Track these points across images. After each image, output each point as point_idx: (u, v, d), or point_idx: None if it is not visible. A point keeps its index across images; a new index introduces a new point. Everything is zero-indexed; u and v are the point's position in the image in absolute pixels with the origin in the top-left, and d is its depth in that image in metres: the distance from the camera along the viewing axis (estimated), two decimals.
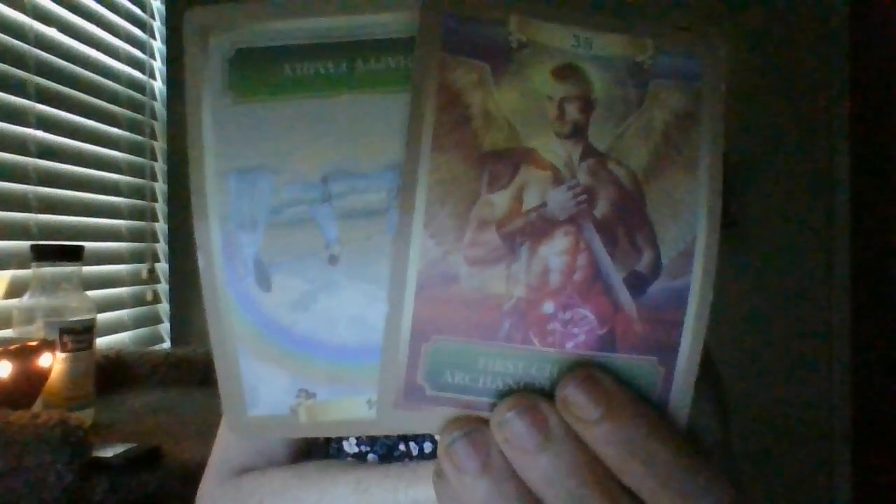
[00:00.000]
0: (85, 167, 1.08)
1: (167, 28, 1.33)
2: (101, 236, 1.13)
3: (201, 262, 0.18)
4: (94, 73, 1.10)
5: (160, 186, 1.31)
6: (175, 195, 1.32)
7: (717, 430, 0.40)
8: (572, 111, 0.18)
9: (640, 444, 0.17)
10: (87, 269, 0.83)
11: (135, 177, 1.23)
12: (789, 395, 1.46)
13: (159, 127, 1.31)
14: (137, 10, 1.26)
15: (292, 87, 0.18)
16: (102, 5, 1.14)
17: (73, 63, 1.04)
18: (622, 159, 0.18)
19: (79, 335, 0.73)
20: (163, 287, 1.32)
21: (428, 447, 0.45)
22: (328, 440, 0.48)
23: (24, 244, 0.86)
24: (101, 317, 1.06)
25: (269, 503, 0.41)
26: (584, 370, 0.18)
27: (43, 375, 0.68)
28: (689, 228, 0.18)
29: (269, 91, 0.18)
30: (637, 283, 0.18)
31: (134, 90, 1.23)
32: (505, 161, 0.18)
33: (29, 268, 0.74)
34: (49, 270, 0.74)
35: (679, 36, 0.18)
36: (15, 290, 0.87)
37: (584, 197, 0.18)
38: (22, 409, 0.58)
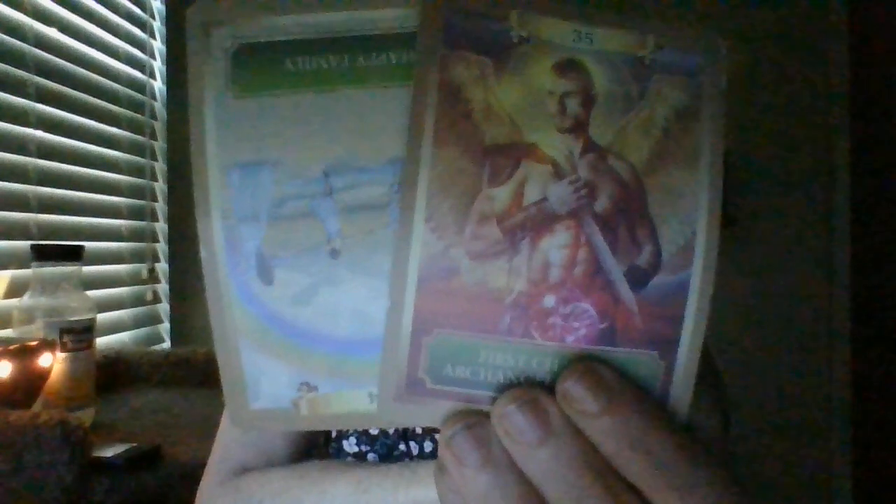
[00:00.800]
0: (85, 167, 1.08)
1: (167, 28, 1.34)
2: (101, 236, 1.13)
3: (204, 256, 0.18)
4: (94, 73, 1.10)
5: (160, 186, 1.31)
6: (175, 195, 1.32)
7: (716, 429, 0.40)
8: (573, 106, 0.18)
9: (640, 437, 0.17)
10: (87, 269, 0.84)
11: (135, 177, 1.23)
12: (789, 395, 1.46)
13: (159, 127, 1.31)
14: (137, 10, 1.26)
15: (294, 82, 0.18)
16: (102, 5, 1.14)
17: (73, 63, 1.04)
18: (623, 154, 0.18)
19: (79, 335, 0.73)
20: (163, 287, 1.32)
21: (428, 446, 0.45)
22: (328, 440, 0.48)
23: (24, 244, 0.86)
24: (101, 317, 1.06)
25: (270, 503, 0.41)
26: (585, 364, 0.18)
27: (43, 375, 0.68)
28: (689, 223, 0.18)
29: (270, 86, 0.18)
30: (637, 278, 0.18)
31: (134, 90, 1.23)
32: (506, 155, 0.18)
33: (29, 268, 0.74)
34: (49, 270, 0.74)
35: (680, 31, 0.19)
36: (15, 290, 0.87)
37: (584, 191, 0.18)
38: (22, 409, 0.58)
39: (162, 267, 1.32)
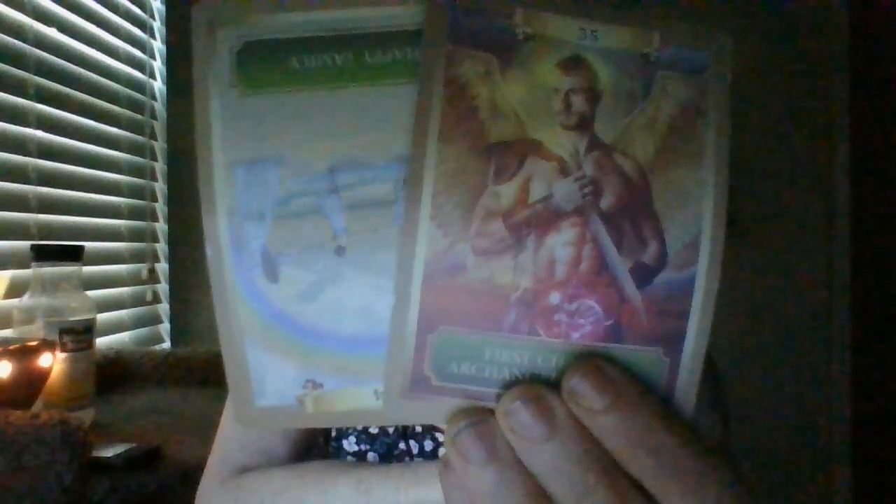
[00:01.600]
0: (85, 167, 1.08)
1: (167, 28, 1.34)
2: (101, 236, 1.12)
3: (209, 254, 0.18)
4: (94, 73, 1.10)
5: (160, 186, 1.31)
6: (175, 195, 1.32)
7: (716, 429, 0.41)
8: (578, 103, 0.18)
9: (645, 434, 0.17)
10: (87, 269, 0.83)
11: (135, 177, 1.23)
12: (789, 395, 1.46)
13: (159, 127, 1.31)
14: (137, 10, 1.26)
15: (300, 80, 0.18)
16: (102, 5, 1.14)
17: (73, 63, 1.04)
18: (628, 151, 0.18)
19: (79, 335, 0.73)
20: (163, 287, 1.32)
21: (429, 445, 0.45)
22: (328, 439, 0.48)
23: (24, 244, 0.86)
24: (101, 317, 1.06)
25: (270, 503, 0.41)
26: (591, 361, 0.18)
27: (43, 375, 0.68)
28: (694, 220, 0.18)
29: (276, 83, 0.18)
30: (643, 275, 0.18)
31: (134, 90, 1.23)
32: (511, 152, 0.18)
33: (29, 268, 0.74)
34: (49, 270, 0.74)
35: (685, 28, 0.19)
36: (15, 290, 0.87)
37: (590, 188, 0.18)
38: (22, 409, 0.58)
39: (162, 267, 1.32)
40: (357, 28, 0.18)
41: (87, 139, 1.08)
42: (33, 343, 0.67)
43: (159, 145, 1.31)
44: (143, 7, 1.28)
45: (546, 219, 0.18)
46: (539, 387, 0.18)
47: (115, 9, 1.18)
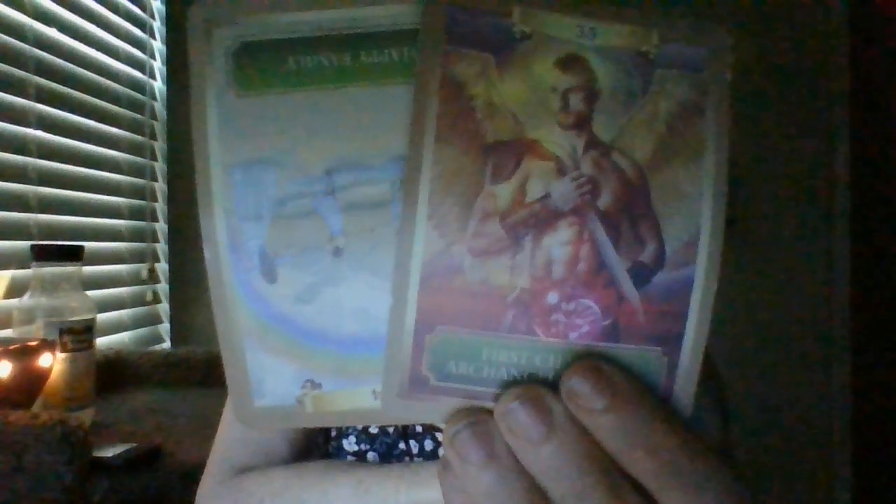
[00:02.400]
0: (85, 167, 1.08)
1: (167, 28, 1.34)
2: (101, 236, 1.13)
3: (207, 255, 0.18)
4: (94, 73, 1.10)
5: (160, 186, 1.31)
6: (175, 195, 1.32)
7: (716, 429, 0.40)
8: (576, 102, 0.18)
9: (644, 433, 0.17)
10: (87, 269, 0.83)
11: (135, 177, 1.23)
12: (789, 395, 1.46)
13: (159, 127, 1.31)
14: (137, 10, 1.26)
15: (296, 80, 0.18)
16: (102, 5, 1.14)
17: (73, 63, 1.04)
18: (626, 150, 0.18)
19: (79, 335, 0.73)
20: (163, 287, 1.32)
21: (428, 445, 0.45)
22: (328, 439, 0.48)
23: (24, 244, 0.86)
24: (101, 317, 1.06)
25: (270, 503, 0.41)
26: (589, 360, 0.18)
27: (43, 375, 0.68)
28: (693, 219, 0.18)
29: (273, 84, 0.18)
30: (641, 274, 0.18)
31: (134, 90, 1.23)
32: (508, 152, 0.18)
33: (29, 268, 0.74)
34: (49, 270, 0.74)
35: (684, 26, 0.18)
36: (15, 290, 0.87)
37: (587, 188, 0.18)
38: (22, 409, 0.58)
39: (162, 267, 1.32)
40: (353, 28, 0.18)
41: (87, 139, 1.08)
42: (33, 343, 0.67)
43: (159, 145, 1.31)
44: (143, 7, 1.28)
45: (543, 219, 0.18)
46: (537, 387, 0.17)
47: (115, 9, 1.18)
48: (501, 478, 0.17)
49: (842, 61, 1.43)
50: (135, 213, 1.23)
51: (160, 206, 1.31)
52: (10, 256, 0.89)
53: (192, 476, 0.49)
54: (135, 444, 0.64)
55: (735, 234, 1.42)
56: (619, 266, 0.18)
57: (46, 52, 0.98)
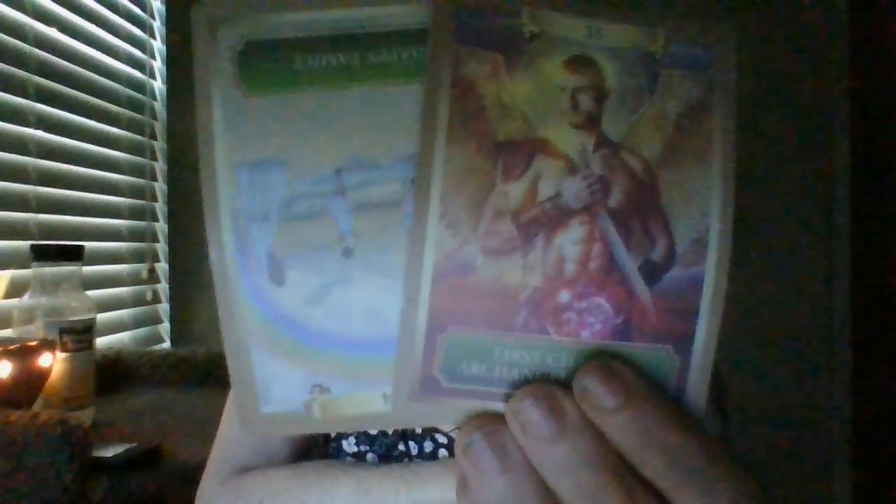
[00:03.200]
0: (85, 167, 1.07)
1: (167, 28, 1.33)
2: (101, 236, 1.12)
3: (213, 257, 0.18)
4: (94, 73, 1.10)
5: (160, 186, 1.31)
6: (175, 195, 1.31)
7: (717, 429, 0.40)
8: (585, 101, 0.18)
9: (658, 433, 0.17)
10: (87, 269, 0.83)
11: (135, 177, 1.23)
12: (789, 395, 1.46)
13: (159, 127, 1.31)
14: (137, 10, 1.26)
15: (304, 80, 0.18)
16: (102, 5, 1.14)
17: (73, 63, 1.04)
18: (635, 149, 0.18)
19: (79, 335, 0.73)
20: (163, 287, 1.31)
21: (428, 446, 0.45)
22: (327, 440, 0.48)
23: (24, 244, 0.86)
24: (101, 317, 1.06)
25: (270, 503, 0.41)
26: (602, 360, 0.17)
27: (43, 375, 0.68)
28: (702, 217, 0.18)
29: (280, 83, 0.18)
30: (652, 272, 0.18)
31: (134, 90, 1.23)
32: (519, 151, 0.18)
33: (29, 268, 0.74)
34: (49, 270, 0.74)
35: (691, 26, 0.19)
36: (15, 290, 0.87)
37: (598, 186, 0.18)
38: (22, 409, 0.57)
39: (162, 267, 1.31)
40: (361, 27, 0.18)
41: (87, 139, 1.08)
42: (33, 343, 0.66)
43: (159, 145, 1.31)
44: (143, 7, 1.28)
45: (555, 217, 0.18)
46: (549, 386, 0.17)
47: (115, 9, 1.18)
48: (515, 487, 0.17)
49: (842, 61, 1.43)
50: (135, 213, 1.23)
51: (160, 206, 1.31)
52: (10, 256, 0.89)
53: (192, 476, 0.49)
54: (135, 444, 0.64)
55: (743, 236, 1.42)
56: (631, 264, 0.18)
57: (46, 52, 0.97)
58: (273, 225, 0.18)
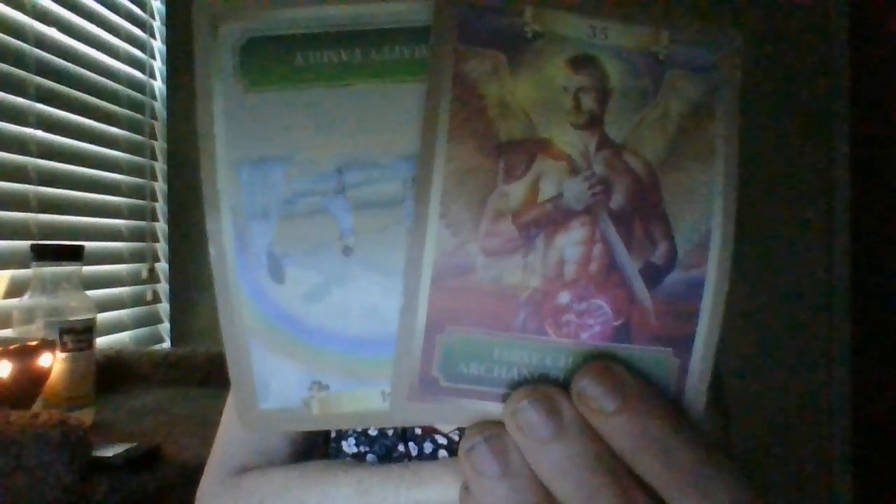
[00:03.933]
0: (85, 167, 1.07)
1: (167, 28, 1.33)
2: (101, 236, 1.12)
3: (213, 254, 0.18)
4: (94, 73, 1.10)
5: (160, 186, 1.31)
6: (175, 195, 1.31)
7: (717, 430, 0.40)
8: (588, 102, 0.18)
9: (655, 436, 0.17)
10: (87, 269, 0.83)
11: (135, 177, 1.23)
12: (789, 395, 1.46)
13: (159, 127, 1.31)
14: (137, 10, 1.26)
15: (305, 77, 0.18)
16: (102, 5, 1.14)
17: (73, 63, 1.04)
18: (638, 150, 0.18)
19: (79, 335, 0.73)
20: (163, 287, 1.31)
21: (428, 447, 0.45)
22: (327, 440, 0.48)
23: (24, 244, 0.86)
24: (101, 317, 1.06)
25: (270, 503, 0.41)
26: (600, 362, 0.17)
27: (43, 375, 0.67)
28: (704, 219, 0.18)
29: (281, 80, 0.18)
30: (652, 274, 0.18)
31: (134, 90, 1.23)
32: (521, 151, 0.18)
33: (29, 268, 0.74)
34: (49, 270, 0.74)
35: (695, 27, 0.18)
36: (15, 290, 0.87)
37: (599, 188, 0.18)
38: (22, 409, 0.57)
39: (162, 267, 1.31)
40: (364, 25, 0.18)
41: (87, 139, 1.08)
42: (33, 343, 0.66)
43: (159, 145, 1.30)
44: (143, 7, 1.28)
45: (556, 218, 0.18)
46: (547, 386, 0.17)
47: (115, 9, 1.18)
48: (516, 491, 0.17)
49: (842, 61, 1.43)
50: (135, 213, 1.23)
51: (160, 206, 1.31)
52: (10, 256, 0.88)
53: (192, 476, 0.49)
54: (135, 444, 0.64)
55: (743, 237, 1.42)
56: (631, 266, 0.18)
57: (46, 52, 0.97)
58: (273, 222, 0.18)
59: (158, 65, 1.32)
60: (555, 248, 0.18)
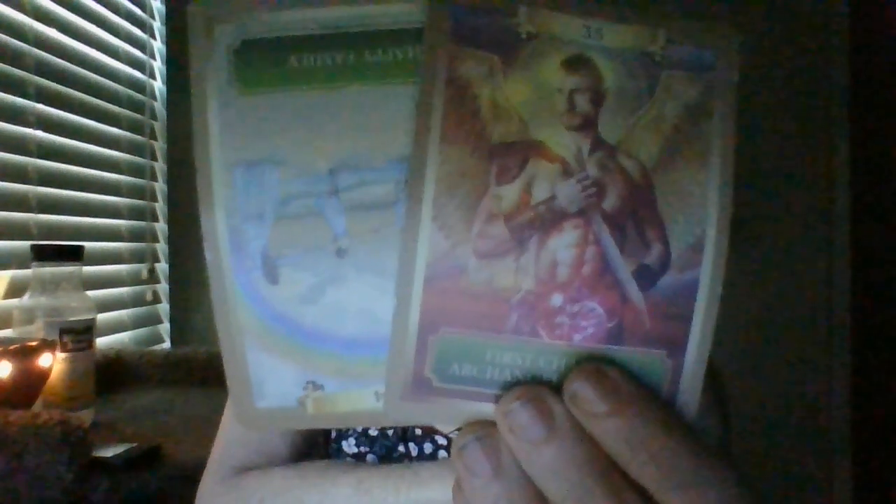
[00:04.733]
0: (85, 167, 1.07)
1: (167, 28, 1.33)
2: (101, 236, 1.12)
3: (208, 256, 0.18)
4: (94, 73, 1.10)
5: (160, 186, 1.31)
6: (175, 195, 1.32)
7: (717, 430, 0.40)
8: (582, 103, 0.18)
9: (647, 438, 0.17)
10: (87, 269, 0.83)
11: (135, 177, 1.23)
12: (789, 395, 1.46)
13: (159, 127, 1.31)
14: (137, 10, 1.26)
15: (299, 79, 0.18)
16: (102, 5, 1.14)
17: (73, 63, 1.04)
18: (632, 152, 0.18)
19: (79, 335, 0.73)
20: (163, 287, 1.31)
21: (428, 448, 0.45)
22: (327, 440, 0.48)
23: (24, 244, 0.86)
24: (101, 317, 1.06)
25: (270, 503, 0.41)
26: (593, 364, 0.17)
27: (43, 375, 0.68)
28: (698, 222, 0.18)
29: (275, 82, 0.18)
30: (646, 277, 0.18)
31: (134, 90, 1.23)
32: (514, 153, 0.18)
33: (29, 268, 0.74)
34: (49, 270, 0.74)
35: (691, 27, 0.18)
36: (15, 290, 0.87)
37: (593, 190, 0.18)
38: (22, 409, 0.58)
39: (162, 267, 1.32)
40: (357, 26, 0.18)
41: (87, 139, 1.08)
42: (33, 343, 0.66)
43: (159, 145, 1.31)
44: (143, 7, 1.28)
45: (548, 220, 0.18)
46: (539, 388, 0.17)
47: (115, 9, 1.18)
48: (507, 491, 0.17)
49: (842, 61, 1.43)
50: (135, 213, 1.23)
51: (160, 206, 1.31)
52: (10, 256, 0.89)
53: (192, 476, 0.49)
54: (135, 444, 0.64)
55: (743, 237, 1.42)
56: (624, 268, 0.18)
57: (46, 52, 0.97)
58: (268, 224, 0.18)
59: (158, 65, 1.32)
60: (548, 250, 0.18)
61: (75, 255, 0.76)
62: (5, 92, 0.89)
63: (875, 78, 1.42)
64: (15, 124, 0.91)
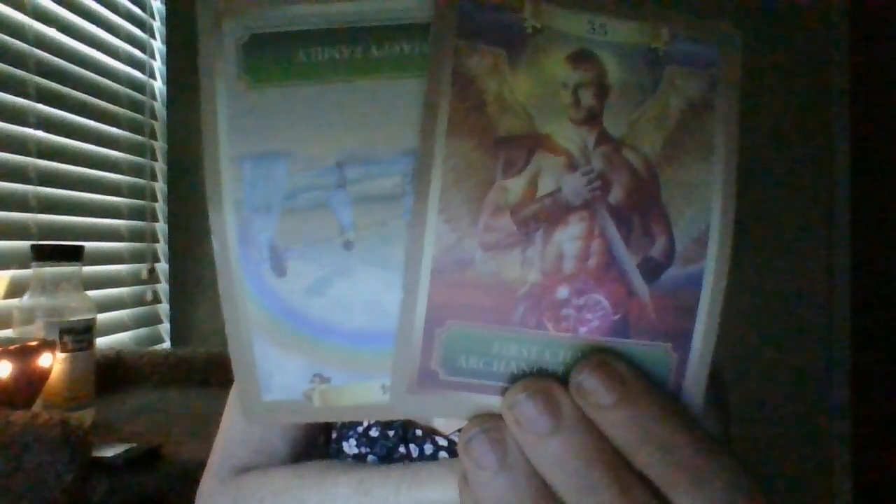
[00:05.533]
0: (85, 167, 1.07)
1: (167, 28, 1.33)
2: (101, 236, 1.12)
3: (216, 248, 0.18)
4: (94, 73, 1.10)
5: (160, 186, 1.31)
6: (175, 195, 1.31)
7: (717, 430, 0.40)
8: (587, 97, 0.18)
9: (654, 429, 0.17)
10: (87, 269, 0.83)
11: (135, 177, 1.23)
12: (789, 396, 1.46)
13: (159, 127, 1.31)
14: (137, 10, 1.26)
15: (307, 73, 0.18)
16: (102, 5, 1.14)
17: (73, 63, 1.04)
18: (637, 145, 0.18)
19: (79, 335, 0.73)
20: (163, 287, 1.31)
21: (429, 449, 0.45)
22: (328, 440, 0.48)
23: (24, 244, 0.86)
24: (101, 317, 1.06)
25: (270, 502, 0.41)
26: (599, 356, 0.17)
27: (43, 375, 0.68)
28: (703, 215, 0.18)
29: (283, 76, 0.18)
30: (651, 269, 0.18)
31: (134, 90, 1.23)
32: (520, 147, 0.18)
33: (29, 268, 0.74)
34: (49, 270, 0.74)
35: (695, 22, 0.19)
36: (15, 290, 0.87)
37: (598, 183, 0.18)
38: (22, 409, 0.57)
39: (162, 267, 1.32)
40: (364, 21, 0.18)
41: (87, 139, 1.08)
42: (33, 343, 0.66)
43: (159, 145, 1.31)
44: (143, 7, 1.28)
45: (554, 213, 0.18)
46: (545, 380, 0.17)
47: (115, 9, 1.18)
48: (514, 483, 0.17)
49: (842, 61, 1.43)
50: (135, 213, 1.23)
51: (160, 206, 1.31)
52: (10, 256, 0.89)
53: (192, 476, 0.49)
54: (135, 444, 0.64)
55: (743, 237, 1.42)
56: (630, 261, 0.18)
57: (46, 52, 0.98)
58: (275, 216, 0.18)
59: (158, 65, 1.32)
60: (553, 242, 0.18)
61: (75, 255, 0.76)
62: (5, 92, 0.89)
63: (875, 78, 1.42)
64: (15, 124, 0.91)
